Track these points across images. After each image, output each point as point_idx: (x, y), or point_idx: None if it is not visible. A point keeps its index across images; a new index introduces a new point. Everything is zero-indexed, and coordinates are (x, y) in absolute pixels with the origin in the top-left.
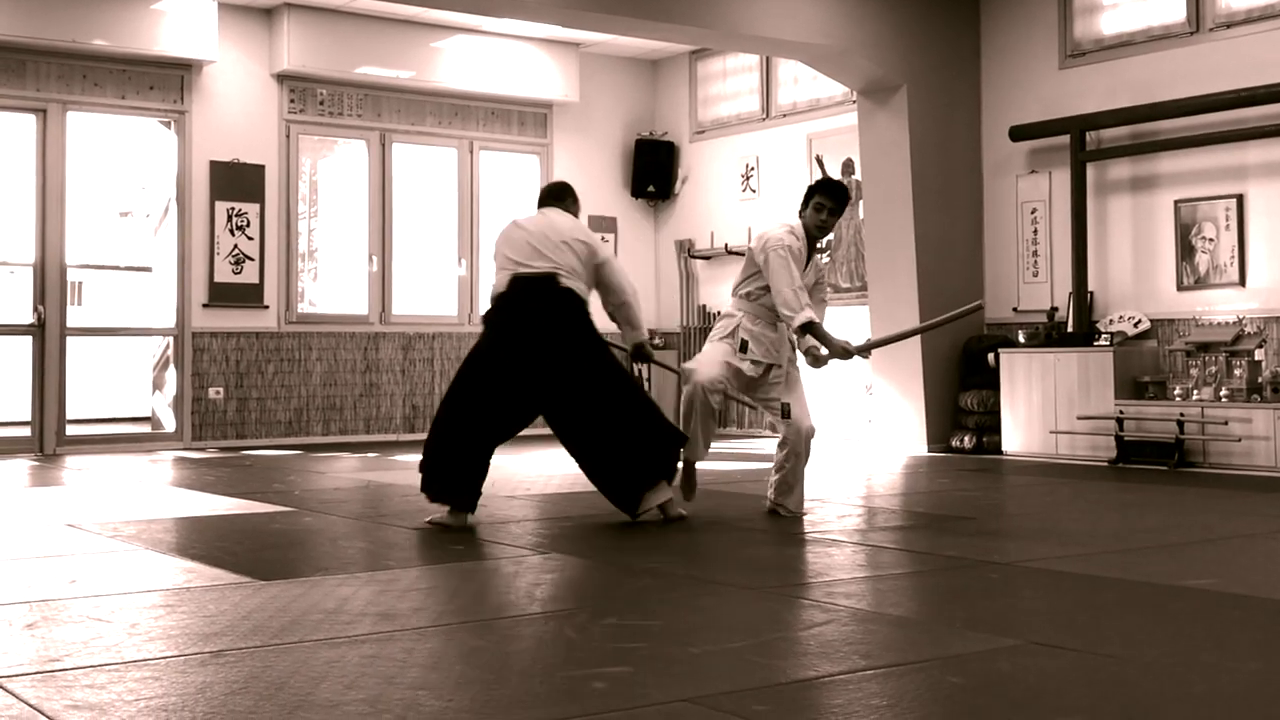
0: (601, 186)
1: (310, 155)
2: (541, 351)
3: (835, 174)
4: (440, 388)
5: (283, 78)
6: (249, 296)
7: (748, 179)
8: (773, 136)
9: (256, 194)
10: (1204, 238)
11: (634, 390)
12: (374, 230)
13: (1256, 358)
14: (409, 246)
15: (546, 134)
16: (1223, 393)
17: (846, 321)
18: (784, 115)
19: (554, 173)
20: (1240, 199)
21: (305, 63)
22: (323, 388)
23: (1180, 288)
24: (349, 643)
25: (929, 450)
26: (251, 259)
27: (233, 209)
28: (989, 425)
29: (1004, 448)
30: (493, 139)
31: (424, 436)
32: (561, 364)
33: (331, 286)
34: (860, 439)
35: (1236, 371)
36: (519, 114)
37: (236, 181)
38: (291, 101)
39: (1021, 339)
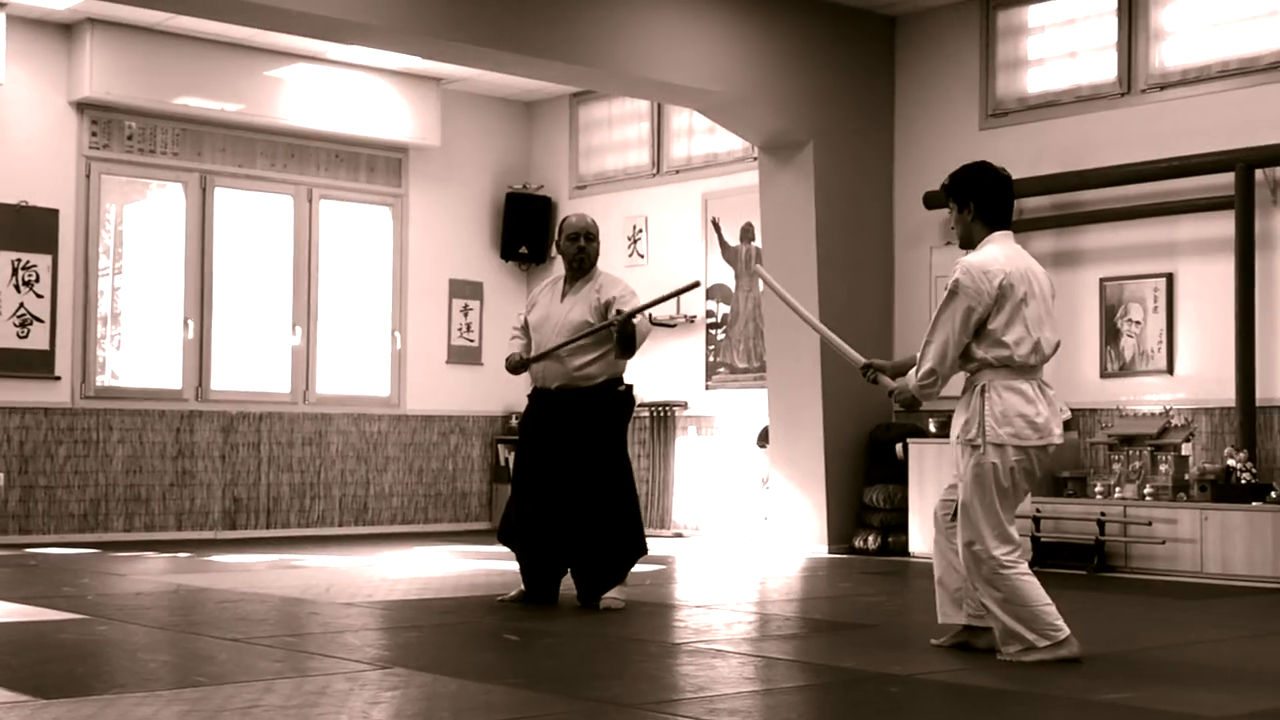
0: (466, 246)
1: (116, 200)
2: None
3: (732, 240)
4: (268, 476)
5: (83, 106)
6: (37, 365)
7: (635, 242)
8: (663, 195)
9: (48, 244)
10: (1130, 320)
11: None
12: (191, 291)
13: (1183, 452)
14: (233, 310)
15: (401, 183)
16: (1146, 490)
17: (742, 405)
18: (676, 171)
19: (410, 227)
20: (1170, 278)
21: (111, 89)
22: (125, 475)
23: (1104, 374)
24: None
25: (830, 551)
26: (41, 320)
27: (18, 260)
28: (895, 523)
29: (911, 548)
30: (336, 186)
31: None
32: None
33: (138, 356)
34: (755, 537)
35: (1162, 467)
36: (368, 158)
37: (24, 228)
38: (93, 135)
39: (933, 428)
